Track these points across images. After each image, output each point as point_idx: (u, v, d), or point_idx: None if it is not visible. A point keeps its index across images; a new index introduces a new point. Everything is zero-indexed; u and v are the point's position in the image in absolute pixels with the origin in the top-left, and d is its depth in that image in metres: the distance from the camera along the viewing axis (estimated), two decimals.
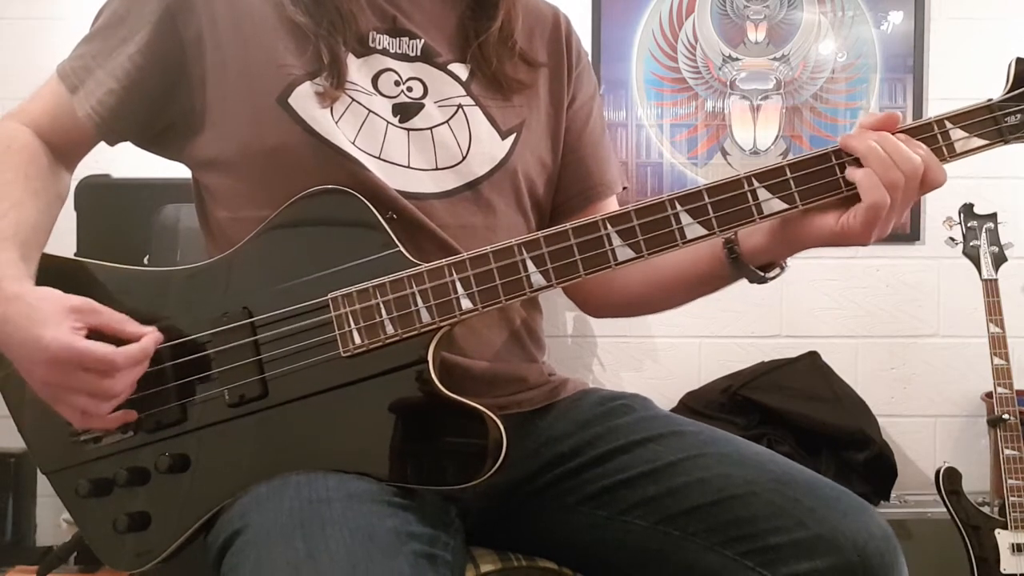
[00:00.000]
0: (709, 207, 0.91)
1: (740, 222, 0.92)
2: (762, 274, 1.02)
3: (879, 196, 0.89)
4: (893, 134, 0.91)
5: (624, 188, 1.24)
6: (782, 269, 1.03)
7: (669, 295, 1.14)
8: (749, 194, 0.91)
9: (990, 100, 0.91)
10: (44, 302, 0.89)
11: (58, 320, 0.88)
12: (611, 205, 1.19)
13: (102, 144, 1.08)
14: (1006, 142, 0.91)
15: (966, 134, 0.91)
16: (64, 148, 1.06)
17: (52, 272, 0.98)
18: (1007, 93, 0.91)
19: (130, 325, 0.93)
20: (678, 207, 0.91)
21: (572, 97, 1.19)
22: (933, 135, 0.91)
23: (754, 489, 0.96)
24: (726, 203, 0.91)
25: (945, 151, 0.91)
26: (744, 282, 1.05)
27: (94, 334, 0.89)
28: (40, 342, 0.86)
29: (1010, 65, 0.92)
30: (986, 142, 0.91)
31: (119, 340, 0.91)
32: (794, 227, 0.96)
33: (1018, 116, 0.90)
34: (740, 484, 0.96)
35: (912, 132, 0.91)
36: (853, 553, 0.91)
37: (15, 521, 2.51)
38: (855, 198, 0.91)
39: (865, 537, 0.92)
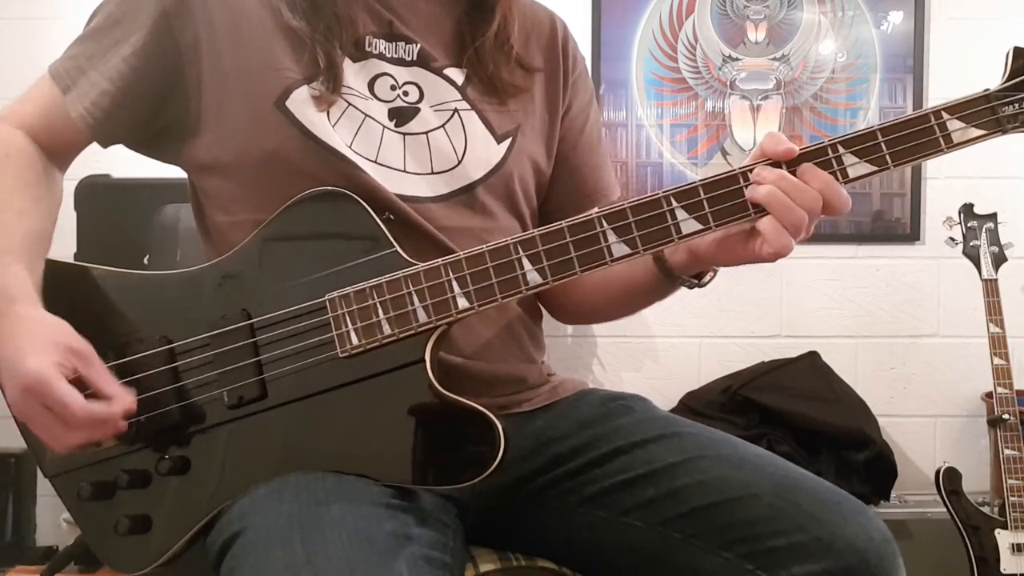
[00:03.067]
0: (704, 203, 0.91)
1: (736, 217, 0.91)
2: (696, 282, 1.04)
3: (783, 242, 0.90)
4: (795, 160, 0.91)
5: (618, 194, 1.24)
6: (714, 273, 1.04)
7: (615, 306, 1.18)
8: (745, 189, 0.91)
9: (987, 90, 0.90)
10: (46, 331, 0.90)
11: (48, 352, 0.87)
12: None
13: (99, 144, 1.08)
14: (1004, 132, 0.90)
15: (963, 124, 0.90)
16: (57, 149, 1.06)
17: (52, 277, 0.98)
18: (1004, 83, 0.90)
19: (111, 386, 0.90)
20: (674, 203, 0.91)
21: (568, 104, 1.19)
22: (930, 126, 0.90)
23: (754, 492, 0.96)
24: (721, 198, 0.91)
25: (942, 142, 0.90)
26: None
27: (80, 384, 0.89)
28: (20, 366, 0.87)
29: (1007, 55, 0.91)
30: (983, 132, 0.90)
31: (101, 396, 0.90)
32: (707, 250, 0.97)
33: (1016, 106, 0.89)
34: (740, 487, 0.97)
35: (909, 123, 0.91)
36: (852, 556, 0.91)
37: (15, 521, 2.51)
38: None
39: (864, 540, 0.92)
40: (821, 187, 0.90)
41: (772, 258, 0.93)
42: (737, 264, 0.97)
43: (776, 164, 0.91)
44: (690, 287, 1.05)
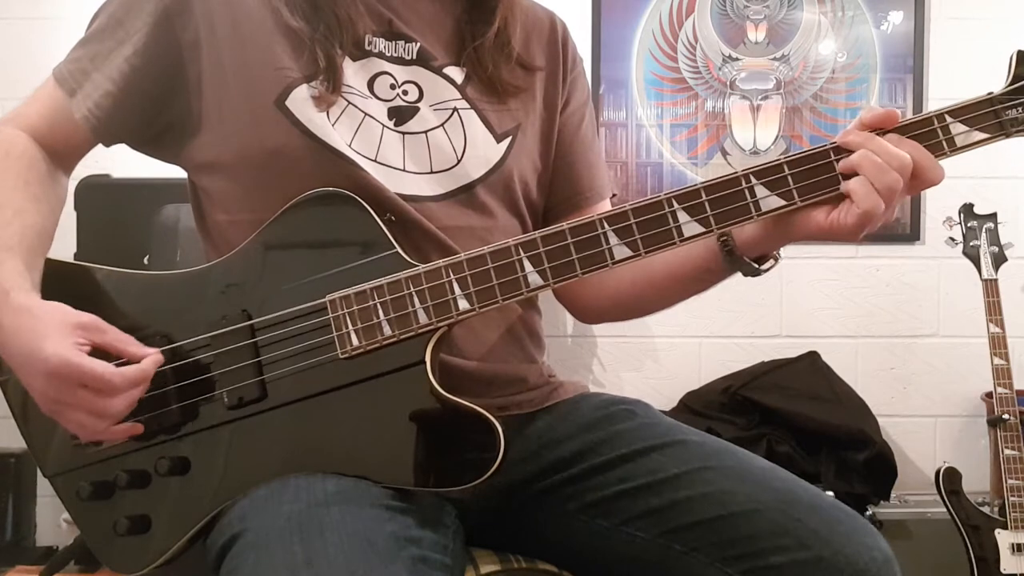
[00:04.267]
0: (706, 205, 0.91)
1: (737, 219, 0.91)
2: (756, 266, 1.00)
3: (873, 203, 0.89)
4: (889, 131, 0.90)
5: (614, 195, 1.23)
6: (776, 260, 1.02)
7: (662, 294, 1.12)
8: (747, 191, 0.91)
9: (991, 93, 0.90)
10: (51, 316, 0.89)
11: (62, 335, 0.87)
12: (599, 211, 1.18)
13: (102, 144, 1.08)
14: (1008, 135, 0.90)
15: (967, 128, 0.90)
16: (62, 151, 1.06)
17: (52, 276, 0.98)
18: (1008, 86, 0.90)
19: (133, 346, 0.93)
20: (675, 205, 0.91)
21: (566, 102, 1.19)
22: (933, 129, 0.89)
23: (757, 507, 0.95)
24: (723, 200, 0.91)
25: (945, 145, 0.90)
26: (744, 283, 1.04)
27: (98, 353, 0.89)
28: (41, 355, 0.86)
29: (1011, 58, 0.91)
30: (987, 135, 0.90)
31: (123, 360, 0.91)
32: (785, 221, 0.94)
33: (1019, 109, 0.89)
34: (743, 501, 0.96)
35: (911, 126, 0.90)
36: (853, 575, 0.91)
37: (15, 521, 2.51)
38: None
39: (866, 560, 0.92)
40: (910, 149, 0.89)
41: (854, 230, 0.90)
42: (812, 238, 0.94)
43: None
44: (747, 272, 1.01)
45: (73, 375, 0.86)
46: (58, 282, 0.98)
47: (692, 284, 1.08)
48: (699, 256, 1.03)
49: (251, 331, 0.96)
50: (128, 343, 0.93)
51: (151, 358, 0.92)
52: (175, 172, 1.12)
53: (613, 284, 1.14)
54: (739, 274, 1.02)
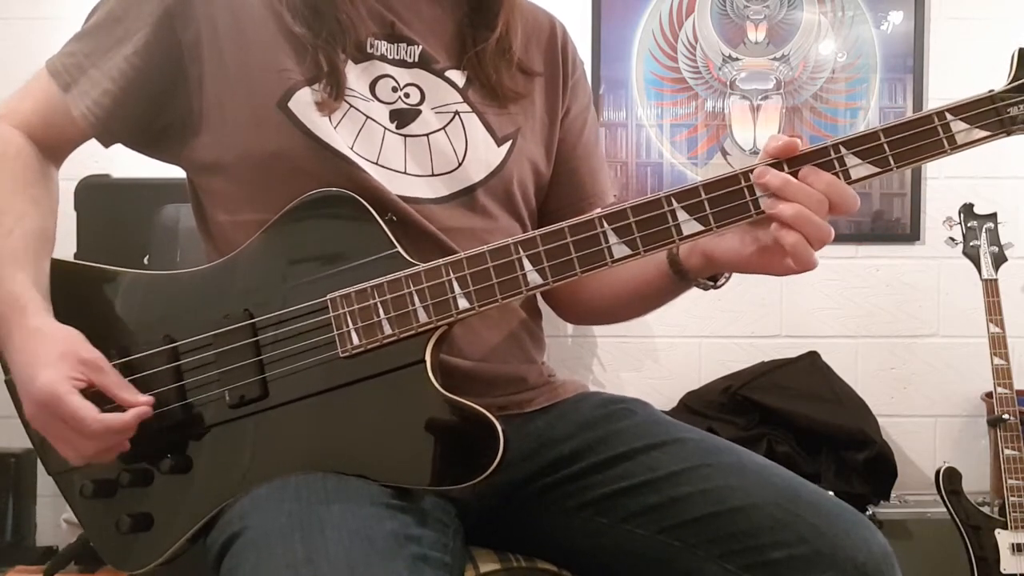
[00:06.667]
0: (705, 203, 0.91)
1: (736, 218, 0.91)
2: (711, 283, 1.04)
3: (809, 258, 0.90)
4: (797, 160, 0.90)
5: (614, 196, 1.24)
6: (729, 275, 1.04)
7: (627, 307, 1.16)
8: (746, 190, 0.91)
9: (992, 91, 0.90)
10: (57, 343, 0.91)
11: (60, 366, 0.89)
12: None
13: (100, 144, 1.08)
14: (1009, 133, 0.89)
15: (967, 125, 0.89)
16: (54, 146, 1.05)
17: (54, 276, 0.98)
18: (1010, 84, 0.89)
19: (126, 392, 0.93)
20: (674, 204, 0.91)
21: (567, 108, 1.19)
22: (934, 127, 0.89)
23: (756, 502, 0.96)
24: (722, 199, 0.91)
25: (946, 143, 0.89)
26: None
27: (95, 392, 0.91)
28: (34, 381, 0.88)
29: (1013, 55, 0.90)
30: (988, 133, 0.89)
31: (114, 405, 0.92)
32: (724, 256, 0.96)
33: (1021, 107, 0.88)
34: (742, 497, 0.96)
35: (912, 124, 0.90)
36: (852, 570, 0.91)
37: (15, 521, 2.51)
38: None
39: (864, 555, 0.92)
40: (824, 188, 0.89)
41: (799, 272, 0.92)
42: (757, 274, 0.97)
43: (778, 165, 0.91)
44: (704, 288, 1.04)
45: (55, 409, 0.88)
46: (62, 282, 0.99)
47: (652, 300, 1.12)
48: (654, 276, 1.06)
49: (252, 330, 0.96)
50: (121, 388, 0.93)
51: (136, 410, 0.92)
52: (175, 172, 1.12)
53: (589, 293, 1.16)
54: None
